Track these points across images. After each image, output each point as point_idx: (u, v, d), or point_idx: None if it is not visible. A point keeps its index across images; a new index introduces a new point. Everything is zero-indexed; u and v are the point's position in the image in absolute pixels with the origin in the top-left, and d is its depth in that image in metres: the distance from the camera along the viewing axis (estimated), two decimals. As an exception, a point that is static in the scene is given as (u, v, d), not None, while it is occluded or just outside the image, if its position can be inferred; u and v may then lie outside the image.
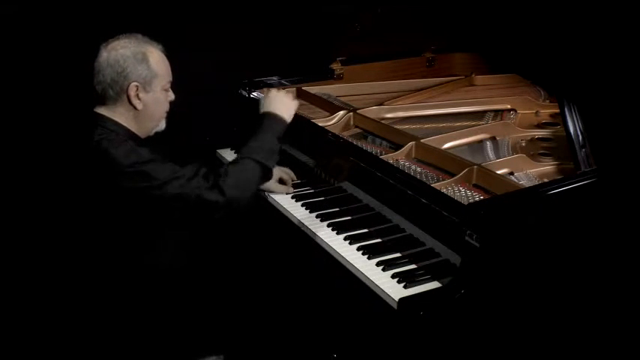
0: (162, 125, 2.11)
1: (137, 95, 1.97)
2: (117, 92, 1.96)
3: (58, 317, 2.10)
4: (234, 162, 2.03)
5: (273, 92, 2.21)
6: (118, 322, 1.99)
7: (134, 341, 1.99)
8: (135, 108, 1.98)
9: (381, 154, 2.38)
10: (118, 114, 1.98)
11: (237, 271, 2.60)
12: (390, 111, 2.79)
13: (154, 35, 2.08)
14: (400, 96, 2.92)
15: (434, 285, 1.87)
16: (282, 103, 2.18)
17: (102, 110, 1.99)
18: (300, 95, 3.04)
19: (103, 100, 1.98)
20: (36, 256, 2.62)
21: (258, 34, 3.46)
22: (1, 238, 2.95)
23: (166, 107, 2.08)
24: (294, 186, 2.50)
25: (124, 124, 1.99)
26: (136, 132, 2.02)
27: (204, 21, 3.35)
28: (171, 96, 2.08)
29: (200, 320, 2.12)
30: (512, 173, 2.21)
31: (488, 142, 2.48)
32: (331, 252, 2.10)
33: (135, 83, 1.95)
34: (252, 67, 3.21)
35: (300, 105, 2.94)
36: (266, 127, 2.12)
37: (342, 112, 2.71)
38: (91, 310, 2.00)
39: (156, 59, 2.00)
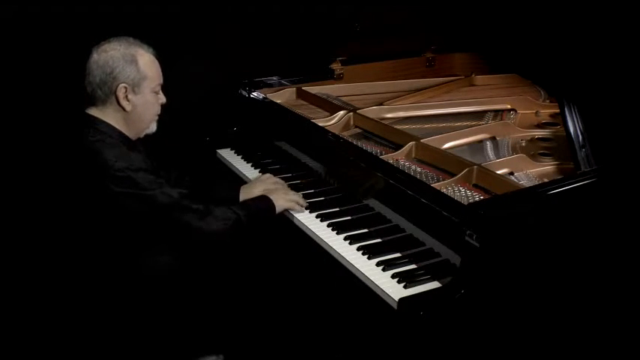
0: (152, 128, 2.13)
1: (126, 97, 1.99)
2: (106, 93, 1.99)
3: (58, 316, 2.10)
4: (224, 206, 2.12)
5: (282, 193, 2.32)
6: (118, 322, 1.99)
7: (134, 341, 1.99)
8: (124, 109, 2.00)
9: (381, 154, 2.38)
10: (107, 115, 2.01)
11: (236, 271, 2.60)
12: (390, 111, 2.79)
13: (154, 36, 2.09)
14: (400, 96, 2.92)
15: (434, 285, 1.87)
16: (285, 201, 2.29)
17: (92, 111, 2.01)
18: (300, 95, 3.04)
19: (94, 101, 2.01)
20: (30, 257, 2.62)
21: (258, 34, 3.46)
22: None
23: (157, 110, 2.10)
24: (294, 187, 2.50)
25: (115, 126, 2.01)
26: (126, 133, 2.03)
27: (204, 21, 3.35)
28: (162, 99, 2.10)
29: (200, 320, 2.12)
30: (512, 173, 2.21)
31: (488, 142, 2.47)
32: (331, 252, 2.10)
33: (123, 84, 1.98)
34: (252, 67, 3.21)
35: (300, 105, 2.95)
36: (262, 205, 2.24)
37: (342, 112, 2.71)
38: (91, 310, 2.00)
39: (145, 61, 2.02)
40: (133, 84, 1.99)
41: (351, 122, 2.70)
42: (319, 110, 2.86)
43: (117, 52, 1.98)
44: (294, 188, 2.47)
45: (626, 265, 2.08)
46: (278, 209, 2.25)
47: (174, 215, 1.97)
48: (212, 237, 2.04)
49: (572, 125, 2.12)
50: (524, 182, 2.12)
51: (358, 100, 2.97)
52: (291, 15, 3.46)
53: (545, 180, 2.12)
